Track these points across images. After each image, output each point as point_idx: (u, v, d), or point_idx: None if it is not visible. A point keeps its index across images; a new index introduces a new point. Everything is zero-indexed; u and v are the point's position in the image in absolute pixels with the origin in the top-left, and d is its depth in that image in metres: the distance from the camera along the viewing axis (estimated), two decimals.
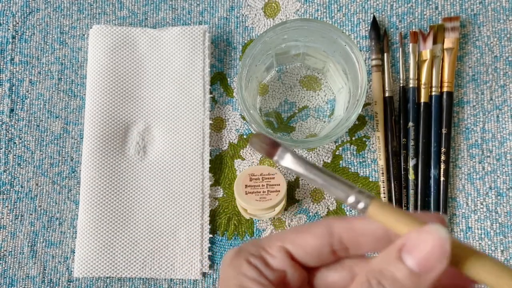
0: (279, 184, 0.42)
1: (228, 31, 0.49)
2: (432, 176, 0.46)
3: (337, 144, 0.47)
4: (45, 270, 0.46)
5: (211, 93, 0.48)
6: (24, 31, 0.49)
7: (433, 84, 0.46)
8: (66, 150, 0.48)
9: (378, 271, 0.20)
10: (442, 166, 0.45)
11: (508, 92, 0.47)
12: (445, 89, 0.46)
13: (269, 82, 0.48)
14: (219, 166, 0.47)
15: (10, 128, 0.48)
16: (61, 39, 0.49)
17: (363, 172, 0.47)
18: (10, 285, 0.46)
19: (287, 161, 0.24)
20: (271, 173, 0.43)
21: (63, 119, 0.48)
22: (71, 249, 0.46)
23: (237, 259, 0.22)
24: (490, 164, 0.46)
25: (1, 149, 0.48)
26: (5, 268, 0.46)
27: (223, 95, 0.48)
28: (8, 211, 0.47)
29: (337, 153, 0.47)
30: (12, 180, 0.47)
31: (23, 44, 0.49)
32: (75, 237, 0.46)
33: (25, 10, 0.49)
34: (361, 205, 0.22)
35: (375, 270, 0.20)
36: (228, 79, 0.48)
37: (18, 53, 0.49)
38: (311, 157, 0.47)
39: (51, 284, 0.46)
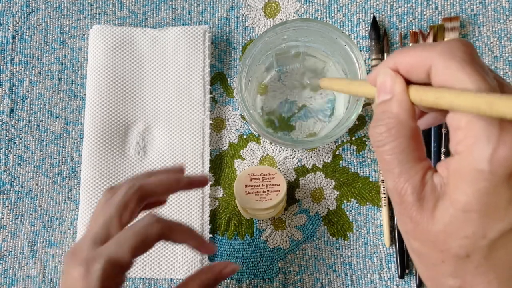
0: (279, 184, 0.42)
1: (228, 31, 0.49)
2: None
3: (337, 144, 0.47)
4: (45, 270, 0.46)
5: (211, 93, 0.48)
6: (24, 31, 0.49)
7: None
8: (66, 150, 0.48)
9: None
10: None
11: None
12: None
13: (269, 82, 0.48)
14: (219, 166, 0.47)
15: (10, 128, 0.48)
16: (61, 39, 0.49)
17: (363, 172, 0.47)
18: (10, 285, 0.46)
19: None
20: (271, 173, 0.43)
21: (63, 119, 0.48)
22: None
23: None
24: None
25: (1, 149, 0.48)
26: (5, 268, 0.46)
27: (223, 95, 0.48)
28: (8, 211, 0.47)
29: (337, 153, 0.47)
30: (12, 180, 0.47)
31: (23, 44, 0.49)
32: (75, 237, 0.46)
33: (25, 10, 0.49)
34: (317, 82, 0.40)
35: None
36: (228, 79, 0.48)
37: (18, 53, 0.49)
38: (311, 157, 0.47)
39: (51, 284, 0.46)
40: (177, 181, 0.35)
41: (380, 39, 0.47)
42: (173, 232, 0.33)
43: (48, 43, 0.49)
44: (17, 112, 0.48)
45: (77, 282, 0.29)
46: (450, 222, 0.22)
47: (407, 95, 0.24)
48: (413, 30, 0.47)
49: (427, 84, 0.24)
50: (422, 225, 0.23)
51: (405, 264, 0.45)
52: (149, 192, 0.34)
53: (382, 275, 0.45)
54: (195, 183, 0.37)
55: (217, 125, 0.48)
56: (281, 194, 0.42)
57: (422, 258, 0.24)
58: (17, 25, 0.49)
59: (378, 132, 0.24)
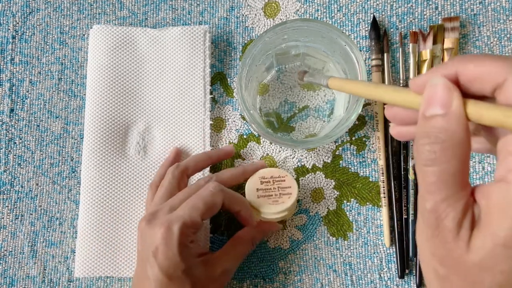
0: (290, 187, 0.42)
1: (228, 31, 0.49)
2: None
3: (337, 144, 0.47)
4: (45, 270, 0.46)
5: (211, 93, 0.48)
6: (24, 31, 0.49)
7: None
8: (66, 150, 0.48)
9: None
10: None
11: None
12: None
13: (269, 82, 0.48)
14: (219, 166, 0.47)
15: (10, 128, 0.48)
16: (61, 39, 0.49)
17: (363, 172, 0.47)
18: (10, 285, 0.46)
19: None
20: (281, 175, 0.42)
21: (63, 119, 0.48)
22: (71, 249, 0.46)
23: None
24: (490, 164, 0.46)
25: (1, 149, 0.48)
26: (5, 268, 0.46)
27: (223, 95, 0.48)
28: (8, 211, 0.47)
29: (337, 153, 0.47)
30: (12, 180, 0.47)
31: (23, 44, 0.49)
32: (75, 237, 0.46)
33: (25, 10, 0.49)
34: (324, 82, 0.37)
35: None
36: (228, 79, 0.48)
37: (18, 53, 0.49)
38: (311, 157, 0.47)
39: (51, 284, 0.46)
40: (208, 157, 0.45)
41: (380, 39, 0.47)
42: (232, 201, 0.39)
43: (48, 43, 0.49)
44: (17, 112, 0.48)
45: (158, 240, 0.35)
46: (487, 256, 0.21)
47: (464, 111, 0.22)
48: (413, 30, 0.47)
49: (480, 98, 0.23)
50: (456, 253, 0.22)
51: (405, 264, 0.45)
52: (187, 168, 0.42)
53: (382, 275, 0.45)
54: (222, 156, 0.46)
55: (217, 125, 0.48)
56: (293, 196, 0.42)
57: (446, 284, 0.23)
58: (17, 25, 0.49)
59: (431, 151, 0.22)
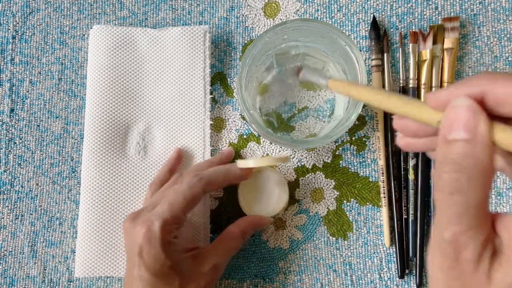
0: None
1: (228, 31, 0.49)
2: (432, 176, 0.46)
3: (337, 144, 0.47)
4: (45, 270, 0.46)
5: (211, 93, 0.48)
6: (25, 31, 0.49)
7: (433, 84, 0.46)
8: (66, 150, 0.48)
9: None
10: None
11: None
12: None
13: (269, 82, 0.48)
14: None
15: (10, 128, 0.48)
16: (61, 39, 0.49)
17: (363, 172, 0.47)
18: (10, 285, 0.46)
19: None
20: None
21: (63, 119, 0.48)
22: (71, 249, 0.46)
23: None
24: None
25: (2, 149, 0.48)
26: (5, 268, 0.46)
27: (223, 95, 0.48)
28: (9, 211, 0.47)
29: (337, 153, 0.47)
30: (12, 180, 0.47)
31: (24, 44, 0.49)
32: (75, 237, 0.46)
33: (26, 10, 0.49)
34: (324, 82, 0.35)
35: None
36: (228, 79, 0.48)
37: (18, 53, 0.49)
38: (311, 157, 0.47)
39: (51, 284, 0.46)
40: (210, 163, 0.44)
41: (380, 39, 0.47)
42: (215, 181, 0.40)
43: (48, 43, 0.49)
44: (17, 112, 0.48)
45: (141, 239, 0.36)
46: None
47: (491, 136, 0.21)
48: (413, 30, 0.47)
49: (505, 119, 0.21)
50: (475, 285, 0.21)
51: (405, 264, 0.45)
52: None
53: (382, 275, 0.45)
54: (224, 160, 0.45)
55: (217, 125, 0.48)
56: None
57: None
58: (17, 25, 0.49)
59: (454, 178, 0.21)
